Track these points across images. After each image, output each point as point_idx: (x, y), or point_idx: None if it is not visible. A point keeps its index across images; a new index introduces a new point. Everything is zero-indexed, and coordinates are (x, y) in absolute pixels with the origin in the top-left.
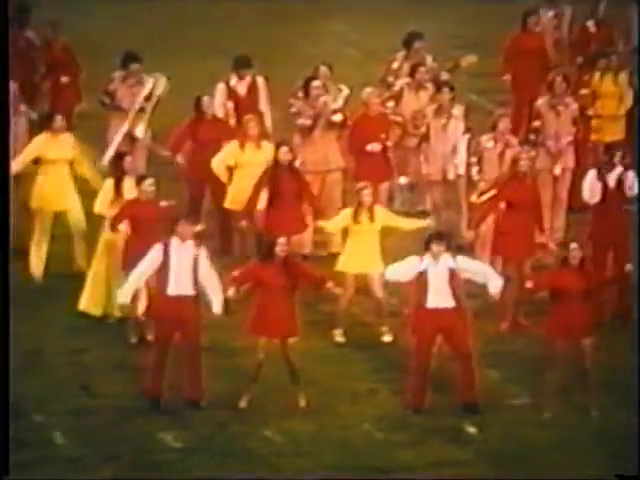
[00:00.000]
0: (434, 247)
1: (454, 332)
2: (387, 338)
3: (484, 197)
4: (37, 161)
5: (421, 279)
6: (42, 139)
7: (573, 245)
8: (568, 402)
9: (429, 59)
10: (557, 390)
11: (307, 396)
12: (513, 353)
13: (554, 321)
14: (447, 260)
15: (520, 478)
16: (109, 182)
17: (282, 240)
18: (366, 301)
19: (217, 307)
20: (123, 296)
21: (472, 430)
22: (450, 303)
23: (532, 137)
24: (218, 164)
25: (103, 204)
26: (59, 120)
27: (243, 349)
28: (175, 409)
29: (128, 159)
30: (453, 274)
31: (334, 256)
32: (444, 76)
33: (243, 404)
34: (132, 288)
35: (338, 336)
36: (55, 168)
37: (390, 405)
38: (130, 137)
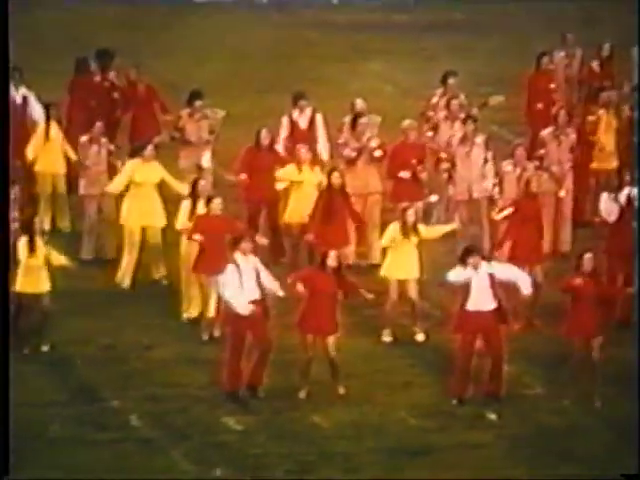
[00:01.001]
0: (471, 259)
1: (491, 332)
2: (420, 337)
3: (503, 213)
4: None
5: (464, 285)
6: (134, 164)
7: (587, 255)
8: (577, 392)
9: (462, 95)
10: (569, 382)
11: (351, 387)
12: (526, 350)
13: (571, 322)
14: (485, 267)
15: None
16: (186, 202)
17: (333, 253)
18: (400, 304)
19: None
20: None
21: (492, 417)
22: (491, 306)
23: (537, 163)
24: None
25: (183, 221)
26: (150, 149)
27: (292, 346)
28: (237, 397)
29: (202, 183)
30: (493, 278)
31: (373, 266)
32: (474, 111)
33: (302, 395)
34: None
35: (386, 336)
36: (143, 190)
37: (422, 395)
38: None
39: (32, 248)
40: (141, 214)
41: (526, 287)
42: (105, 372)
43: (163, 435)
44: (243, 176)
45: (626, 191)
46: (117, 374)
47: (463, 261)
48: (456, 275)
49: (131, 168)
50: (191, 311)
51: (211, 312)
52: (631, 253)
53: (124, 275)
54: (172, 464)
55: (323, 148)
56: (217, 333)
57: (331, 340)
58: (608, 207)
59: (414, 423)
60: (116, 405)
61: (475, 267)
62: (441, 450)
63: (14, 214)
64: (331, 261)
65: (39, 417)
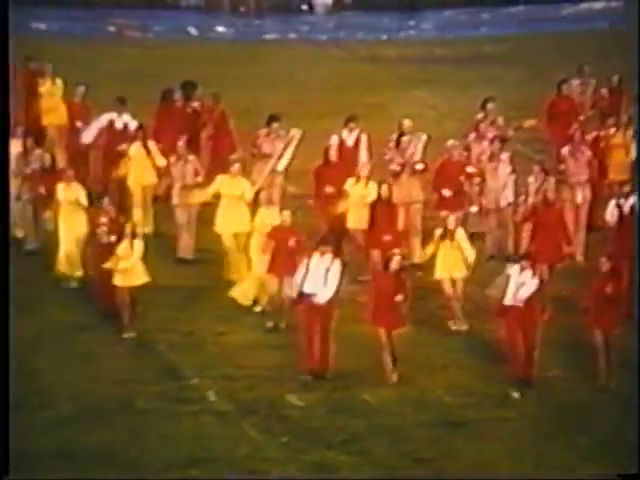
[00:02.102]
0: (510, 261)
1: (528, 324)
2: (455, 327)
3: (522, 218)
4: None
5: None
6: (223, 179)
7: (604, 258)
8: (588, 375)
9: (500, 119)
10: (582, 366)
11: (397, 370)
12: (546, 338)
13: (590, 315)
14: (523, 273)
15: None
16: (261, 211)
17: (397, 257)
18: (439, 298)
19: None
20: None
21: (516, 395)
22: (523, 300)
23: (558, 177)
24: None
25: (257, 226)
26: (237, 167)
27: (351, 335)
28: (299, 377)
29: (263, 194)
30: (524, 282)
31: (415, 266)
32: (510, 132)
33: (394, 379)
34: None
35: (452, 325)
36: (230, 201)
37: (457, 377)
38: (270, 176)
39: (129, 249)
40: (231, 222)
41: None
42: (185, 355)
43: (235, 409)
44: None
45: (631, 200)
46: (196, 357)
47: (510, 261)
48: (497, 287)
49: (220, 182)
50: (259, 304)
51: (276, 305)
52: (631, 254)
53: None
54: (242, 433)
55: (363, 164)
56: (282, 324)
57: (399, 332)
58: (612, 213)
59: (450, 400)
60: (195, 383)
61: (512, 270)
62: (473, 423)
63: (103, 219)
64: (394, 264)
65: (129, 392)
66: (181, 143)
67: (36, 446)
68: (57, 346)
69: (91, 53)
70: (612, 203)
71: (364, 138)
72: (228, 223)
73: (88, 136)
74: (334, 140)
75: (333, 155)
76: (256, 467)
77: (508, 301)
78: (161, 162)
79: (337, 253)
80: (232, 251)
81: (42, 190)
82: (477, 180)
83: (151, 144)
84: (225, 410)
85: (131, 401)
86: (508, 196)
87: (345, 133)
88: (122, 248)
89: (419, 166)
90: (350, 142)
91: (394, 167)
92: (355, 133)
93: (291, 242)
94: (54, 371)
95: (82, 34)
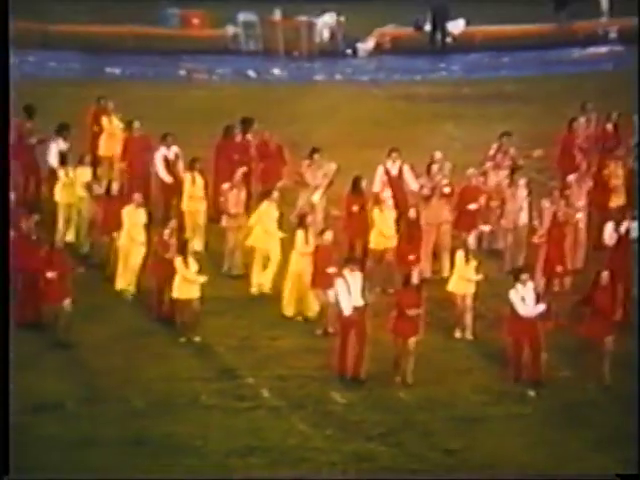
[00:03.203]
0: (522, 276)
1: (535, 333)
2: (470, 336)
3: (541, 239)
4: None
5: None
6: (265, 207)
7: (604, 272)
8: (594, 375)
9: (512, 149)
10: (588, 367)
11: (428, 371)
12: (556, 343)
13: (591, 324)
14: (531, 283)
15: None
16: (301, 233)
17: (416, 272)
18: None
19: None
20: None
21: (532, 394)
22: (534, 313)
23: (564, 202)
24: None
25: (300, 247)
26: (275, 194)
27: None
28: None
29: (309, 218)
30: (538, 293)
31: (443, 279)
32: (521, 161)
33: (397, 380)
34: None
35: (458, 333)
36: (268, 223)
37: (481, 378)
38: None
39: (186, 265)
40: (268, 241)
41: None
42: (242, 357)
43: (286, 404)
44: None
45: (626, 224)
46: (251, 359)
47: (517, 278)
48: (515, 295)
49: (263, 209)
50: (306, 313)
51: (323, 314)
52: (627, 270)
53: (255, 286)
54: (292, 427)
55: (412, 189)
56: (330, 330)
57: (412, 341)
58: (611, 235)
59: (475, 398)
60: (251, 382)
61: (524, 283)
62: (494, 419)
63: (170, 240)
64: (414, 279)
65: (193, 389)
66: (238, 173)
67: (111, 435)
68: (129, 349)
69: (163, 94)
70: (610, 226)
71: (407, 168)
72: (265, 242)
73: (158, 169)
74: (380, 170)
75: (379, 183)
76: (304, 456)
77: (523, 312)
78: (206, 190)
79: (364, 270)
80: (275, 267)
81: (106, 212)
82: (495, 203)
83: (197, 176)
84: (277, 406)
85: (195, 397)
86: (524, 217)
87: (389, 163)
88: (179, 264)
89: (446, 189)
90: (394, 171)
91: (425, 192)
92: (398, 163)
93: (331, 259)
94: (127, 370)
95: (155, 77)
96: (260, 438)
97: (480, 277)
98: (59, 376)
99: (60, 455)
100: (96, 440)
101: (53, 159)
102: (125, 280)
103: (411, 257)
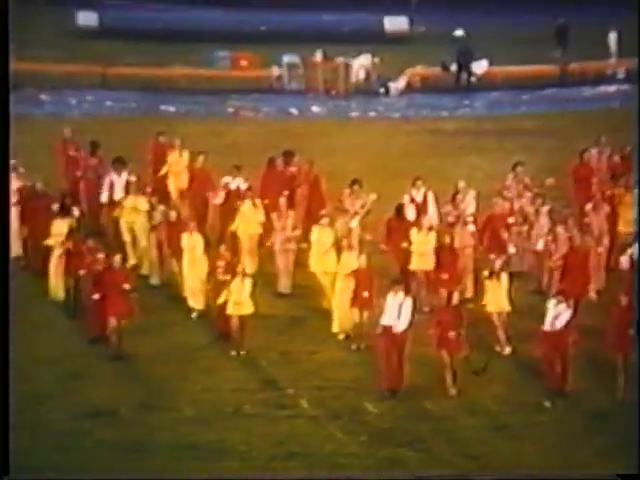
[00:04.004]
0: (552, 295)
1: (563, 346)
2: (507, 350)
3: (556, 263)
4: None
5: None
6: (316, 230)
7: (622, 294)
8: (607, 387)
9: (527, 179)
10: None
11: (458, 385)
12: (572, 357)
13: (611, 339)
14: (557, 304)
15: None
16: (343, 255)
17: (457, 294)
18: (487, 326)
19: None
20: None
21: (547, 404)
22: (558, 328)
23: (584, 228)
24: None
25: (342, 269)
26: (326, 220)
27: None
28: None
29: (347, 242)
30: (559, 313)
31: (467, 299)
32: (536, 189)
33: (454, 392)
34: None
35: (497, 348)
36: (320, 247)
37: (501, 389)
38: (350, 227)
39: (240, 285)
40: (322, 263)
41: (563, 318)
42: (283, 370)
43: (323, 413)
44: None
45: (633, 248)
46: (292, 371)
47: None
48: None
49: (316, 234)
50: (344, 329)
51: (358, 331)
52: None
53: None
54: (329, 434)
55: (433, 216)
56: (362, 346)
57: (460, 355)
58: (626, 259)
59: (495, 408)
60: (291, 392)
61: (556, 303)
62: (513, 426)
63: (220, 262)
64: (455, 300)
65: (238, 399)
66: (282, 200)
67: (162, 441)
68: (181, 361)
69: (213, 129)
70: (628, 251)
71: (431, 195)
72: (320, 264)
73: (217, 199)
74: (406, 199)
75: (406, 210)
76: (339, 461)
77: (546, 328)
78: (263, 216)
79: (407, 291)
80: (323, 287)
81: (167, 238)
82: (517, 229)
83: (257, 201)
84: (315, 415)
85: (240, 406)
86: (542, 243)
87: (414, 192)
88: (235, 285)
89: (470, 218)
90: (419, 198)
91: (451, 219)
92: (422, 191)
93: (368, 281)
94: (179, 380)
95: (205, 114)
96: (299, 444)
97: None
98: (115, 385)
99: (115, 458)
100: (148, 445)
101: (113, 190)
102: (193, 299)
103: (447, 277)
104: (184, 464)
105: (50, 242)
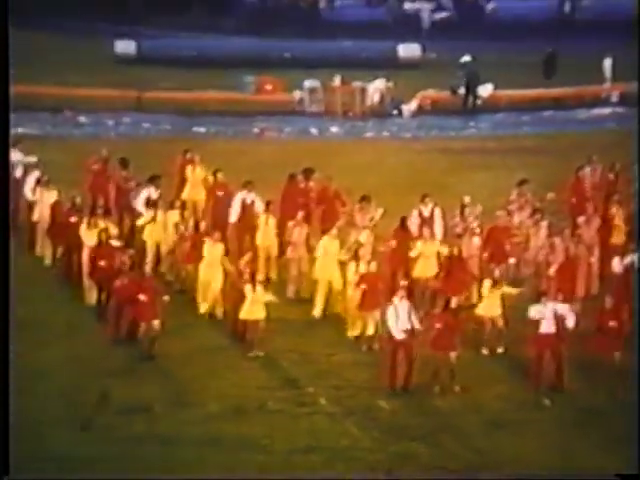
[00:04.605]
0: (543, 299)
1: (555, 347)
2: (501, 350)
3: (553, 271)
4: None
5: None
6: (326, 241)
7: (608, 297)
8: (604, 386)
9: (529, 194)
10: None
11: (459, 383)
12: (567, 357)
13: (598, 339)
14: (551, 305)
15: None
16: (352, 265)
17: (456, 298)
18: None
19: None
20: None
21: (547, 402)
22: (553, 330)
23: (576, 240)
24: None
25: (351, 277)
26: (334, 231)
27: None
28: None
29: (361, 251)
30: (556, 313)
31: (473, 305)
32: (537, 204)
33: (436, 390)
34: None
35: (485, 350)
36: (328, 256)
37: (503, 388)
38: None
39: (253, 290)
40: (328, 272)
41: (571, 320)
42: (303, 370)
43: (340, 410)
44: (393, 243)
45: (628, 257)
46: (311, 371)
47: (539, 301)
48: (536, 312)
49: (322, 243)
50: (355, 332)
51: (369, 333)
52: (630, 295)
53: (318, 309)
54: (345, 430)
55: (438, 229)
56: (375, 346)
57: (453, 355)
58: (617, 266)
59: (497, 406)
60: (310, 391)
61: (545, 305)
62: (515, 423)
63: (244, 270)
64: (454, 304)
65: (261, 396)
66: (301, 214)
67: (191, 435)
68: (206, 361)
69: (239, 148)
70: (617, 259)
71: (438, 211)
72: (324, 272)
73: (233, 215)
74: (415, 213)
75: (414, 224)
76: (355, 455)
77: (547, 329)
78: (281, 229)
79: (413, 297)
80: (327, 294)
81: (190, 247)
82: (517, 240)
83: (277, 215)
84: (332, 412)
85: (263, 403)
86: (543, 252)
87: (422, 207)
88: (255, 291)
89: (477, 230)
90: (426, 213)
91: (458, 231)
92: (430, 206)
93: (378, 289)
94: (205, 379)
95: (233, 135)
96: (318, 439)
97: (517, 290)
98: (145, 383)
99: (147, 452)
100: (179, 439)
101: (143, 203)
102: (207, 304)
103: (453, 284)
104: (210, 456)
105: (84, 252)
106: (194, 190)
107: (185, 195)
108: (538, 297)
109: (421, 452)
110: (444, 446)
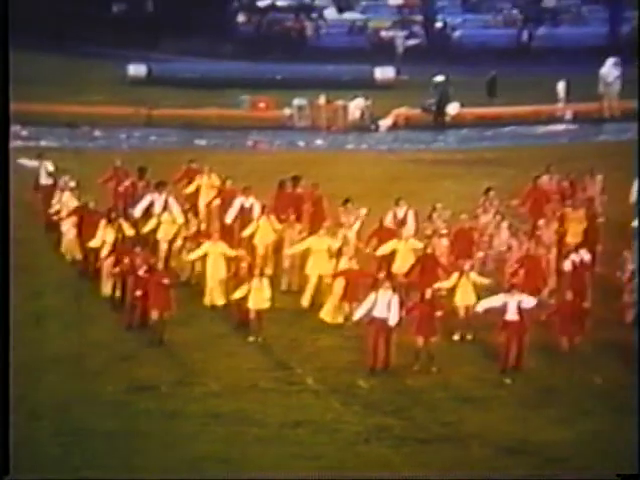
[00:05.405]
0: (507, 291)
1: (517, 333)
2: (470, 336)
3: (514, 266)
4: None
5: (502, 306)
6: (314, 239)
7: (568, 292)
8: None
9: (495, 201)
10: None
11: (434, 365)
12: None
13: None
14: (516, 300)
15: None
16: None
17: (430, 290)
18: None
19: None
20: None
21: (508, 381)
22: (517, 318)
23: (535, 240)
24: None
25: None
26: (322, 231)
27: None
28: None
29: (344, 249)
30: (520, 303)
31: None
32: (502, 209)
33: (417, 368)
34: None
35: (456, 335)
36: (317, 253)
37: (469, 369)
38: (345, 237)
39: (258, 283)
40: (318, 267)
41: (532, 309)
42: (292, 353)
43: (325, 389)
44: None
45: (581, 256)
46: (299, 354)
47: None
48: (501, 302)
49: (310, 241)
50: (337, 319)
51: (349, 321)
52: (584, 288)
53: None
54: (329, 405)
55: (411, 229)
56: (354, 333)
57: (433, 340)
58: (569, 264)
59: (465, 384)
60: (299, 372)
61: (512, 295)
62: (480, 399)
63: (242, 265)
64: (428, 295)
65: (255, 376)
66: (292, 216)
67: (194, 410)
68: (207, 346)
69: (236, 159)
70: (570, 257)
71: (411, 213)
72: (316, 267)
73: (230, 216)
74: (390, 215)
75: (389, 224)
76: (337, 427)
77: (511, 317)
78: (277, 227)
79: (393, 289)
80: (318, 286)
81: (195, 245)
82: (482, 240)
83: (272, 217)
84: (318, 389)
85: (256, 382)
86: (504, 250)
87: (397, 210)
88: (254, 283)
89: (444, 231)
90: (400, 215)
91: (428, 232)
92: (404, 209)
93: (358, 281)
94: (207, 361)
95: (230, 147)
96: (305, 414)
97: (487, 280)
98: (154, 365)
99: (155, 425)
100: (184, 413)
101: (144, 207)
102: (212, 295)
103: (428, 278)
104: (211, 429)
105: (102, 250)
106: (207, 197)
107: (200, 202)
108: (503, 290)
109: (394, 425)
110: (415, 419)
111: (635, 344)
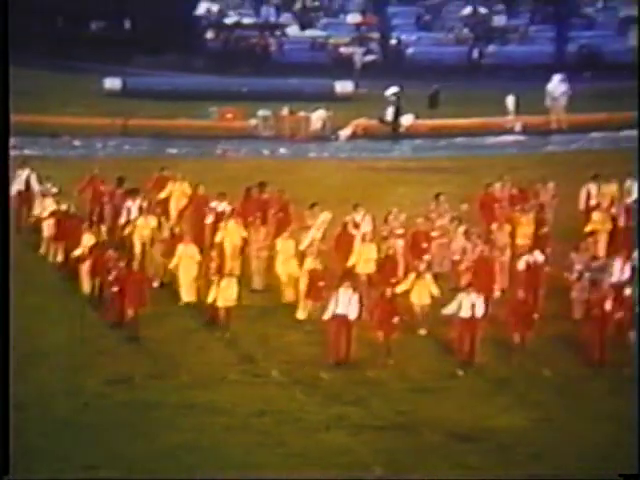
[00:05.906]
0: (462, 291)
1: (470, 329)
2: (423, 332)
3: (468, 267)
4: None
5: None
6: (281, 243)
7: (520, 290)
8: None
9: (446, 205)
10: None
11: (397, 357)
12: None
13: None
14: (470, 298)
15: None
16: (305, 260)
17: (390, 289)
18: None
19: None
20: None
21: (460, 372)
22: (469, 315)
23: (490, 243)
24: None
25: (303, 271)
26: (287, 234)
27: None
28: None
29: (309, 250)
30: (472, 302)
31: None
32: (455, 213)
33: (391, 363)
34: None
35: (421, 331)
36: (284, 255)
37: (427, 361)
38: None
39: (227, 283)
40: (285, 267)
41: (484, 307)
42: (258, 347)
43: (289, 381)
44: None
45: (530, 257)
46: (265, 348)
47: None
48: (456, 301)
49: (280, 243)
50: (302, 316)
51: (313, 317)
52: (536, 287)
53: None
54: (293, 395)
55: (368, 232)
56: (316, 328)
57: (393, 335)
58: (523, 264)
59: (420, 376)
60: (264, 365)
61: (466, 297)
62: (436, 389)
63: (212, 265)
64: (389, 293)
65: (224, 369)
66: (258, 220)
67: (167, 401)
68: (181, 341)
69: (205, 166)
70: (523, 258)
71: (368, 217)
72: (283, 268)
73: (208, 219)
74: (349, 218)
75: (349, 228)
76: (301, 416)
77: (464, 314)
78: (244, 232)
79: (354, 287)
80: (286, 285)
81: (168, 247)
82: (438, 242)
83: (239, 220)
84: (282, 381)
85: (225, 375)
86: (459, 253)
87: (355, 214)
88: (223, 283)
89: (400, 231)
90: (358, 219)
91: (384, 234)
92: (361, 214)
93: (321, 281)
94: (179, 355)
95: (200, 155)
96: (270, 404)
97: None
98: (130, 359)
99: (130, 415)
100: (157, 404)
101: (129, 212)
102: (188, 294)
103: (389, 278)
104: (183, 419)
105: (80, 251)
106: (179, 202)
107: (172, 207)
108: (456, 288)
109: (353, 413)
110: (372, 408)
111: (639, 342)
